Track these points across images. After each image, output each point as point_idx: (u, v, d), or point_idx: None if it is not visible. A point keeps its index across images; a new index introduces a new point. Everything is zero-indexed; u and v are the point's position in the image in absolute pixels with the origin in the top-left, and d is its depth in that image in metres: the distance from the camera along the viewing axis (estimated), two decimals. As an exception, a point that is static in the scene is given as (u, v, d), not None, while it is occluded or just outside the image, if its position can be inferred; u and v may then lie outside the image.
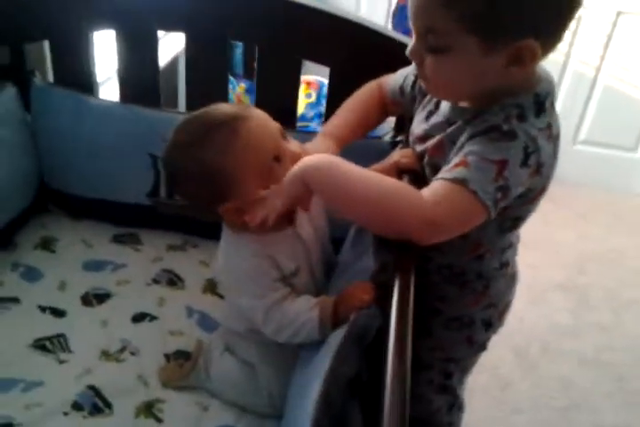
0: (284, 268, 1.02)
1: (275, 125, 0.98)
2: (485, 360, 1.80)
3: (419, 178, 1.02)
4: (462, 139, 0.89)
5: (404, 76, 1.11)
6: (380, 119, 1.20)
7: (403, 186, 0.90)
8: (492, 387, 1.77)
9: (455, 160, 0.86)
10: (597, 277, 2.23)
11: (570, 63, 2.55)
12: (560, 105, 2.57)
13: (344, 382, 0.81)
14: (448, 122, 0.95)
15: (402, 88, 1.11)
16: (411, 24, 0.86)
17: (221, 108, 0.99)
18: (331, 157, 0.91)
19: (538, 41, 0.81)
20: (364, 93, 1.17)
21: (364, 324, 0.88)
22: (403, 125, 1.36)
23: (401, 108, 1.16)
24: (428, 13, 0.82)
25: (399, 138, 1.34)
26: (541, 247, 2.31)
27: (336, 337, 0.88)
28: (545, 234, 2.38)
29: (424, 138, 1.00)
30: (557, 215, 2.50)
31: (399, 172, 1.05)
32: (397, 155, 1.08)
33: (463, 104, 0.94)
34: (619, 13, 2.42)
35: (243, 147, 0.94)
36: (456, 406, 1.27)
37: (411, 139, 1.06)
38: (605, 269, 2.28)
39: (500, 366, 1.84)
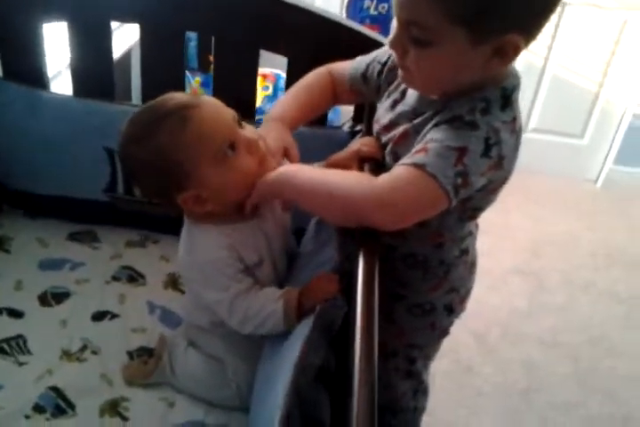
0: (246, 259, 1.02)
1: (228, 112, 0.96)
2: (446, 345, 1.82)
3: (380, 166, 1.02)
4: (427, 128, 0.89)
5: (366, 63, 1.10)
6: (328, 105, 1.18)
7: (357, 175, 0.92)
8: (454, 371, 1.81)
9: (417, 147, 0.87)
10: (552, 261, 2.28)
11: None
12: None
13: (312, 373, 0.81)
14: (414, 112, 0.96)
15: (365, 76, 1.10)
16: (394, 14, 0.84)
17: (173, 97, 0.96)
18: (293, 167, 0.94)
19: (521, 35, 0.81)
20: (312, 79, 1.15)
21: (330, 314, 0.88)
22: (361, 115, 1.36)
23: (359, 96, 1.15)
24: (414, 6, 0.81)
25: (358, 127, 1.35)
26: (497, 233, 2.36)
27: (303, 328, 0.88)
28: (500, 220, 2.43)
29: (389, 127, 1.01)
30: (511, 202, 2.55)
31: (360, 160, 1.05)
32: (358, 143, 1.09)
33: (432, 96, 0.94)
34: (564, 4, 2.47)
35: (195, 135, 0.92)
36: (420, 390, 1.29)
37: (375, 128, 1.06)
38: (560, 252, 2.34)
39: (462, 350, 1.87)
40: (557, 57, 2.59)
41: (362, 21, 2.42)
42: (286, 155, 1.05)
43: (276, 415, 0.74)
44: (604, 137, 2.72)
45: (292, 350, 0.85)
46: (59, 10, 1.35)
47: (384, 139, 1.02)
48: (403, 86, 1.00)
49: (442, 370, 1.78)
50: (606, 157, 2.74)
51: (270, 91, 2.21)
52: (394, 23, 0.86)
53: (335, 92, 1.15)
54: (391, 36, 0.87)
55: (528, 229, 2.44)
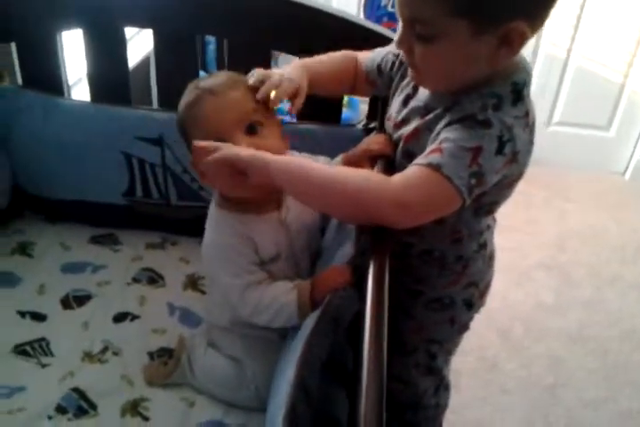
0: (263, 252, 1.02)
1: (233, 113, 0.97)
2: (471, 342, 1.83)
3: (392, 164, 1.02)
4: (439, 126, 0.89)
5: (381, 55, 1.10)
6: (345, 87, 1.16)
7: (370, 174, 0.91)
8: (479, 369, 1.79)
9: (431, 147, 0.87)
10: (579, 255, 2.25)
11: (541, 46, 2.56)
12: (533, 87, 2.55)
13: (318, 366, 0.81)
14: (426, 108, 0.95)
15: (379, 67, 1.10)
16: (397, 13, 0.85)
17: (216, 76, 1.05)
18: (299, 160, 0.93)
19: (527, 22, 0.80)
20: (341, 57, 1.14)
21: (337, 305, 0.88)
22: (375, 112, 1.36)
23: (374, 88, 1.14)
24: (414, 2, 0.82)
25: (372, 125, 1.34)
26: (522, 228, 2.34)
27: (311, 320, 0.88)
28: (525, 215, 2.41)
29: (401, 123, 1.00)
30: (537, 196, 2.52)
31: (372, 158, 1.06)
32: (369, 141, 1.09)
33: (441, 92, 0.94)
34: (586, -6, 2.44)
35: (192, 117, 1.00)
36: (442, 386, 1.28)
37: (388, 124, 1.06)
38: (586, 246, 2.30)
39: (486, 347, 1.85)
40: (581, 48, 2.54)
41: (379, 19, 2.41)
42: (294, 97, 1.03)
43: (280, 411, 0.74)
44: (631, 128, 2.67)
45: (299, 342, 0.85)
46: (74, 17, 1.38)
47: (396, 135, 1.02)
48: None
49: (467, 367, 1.77)
50: (634, 149, 2.69)
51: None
52: (399, 23, 0.87)
53: (355, 79, 1.14)
54: (397, 35, 0.88)
55: (554, 224, 2.41)
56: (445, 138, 0.86)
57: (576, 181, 2.67)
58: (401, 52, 1.02)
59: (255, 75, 1.02)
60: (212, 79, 1.03)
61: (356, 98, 2.36)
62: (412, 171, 0.86)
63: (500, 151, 0.84)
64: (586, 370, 1.81)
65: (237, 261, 1.00)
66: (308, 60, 1.12)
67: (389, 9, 2.43)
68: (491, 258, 1.13)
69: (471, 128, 0.84)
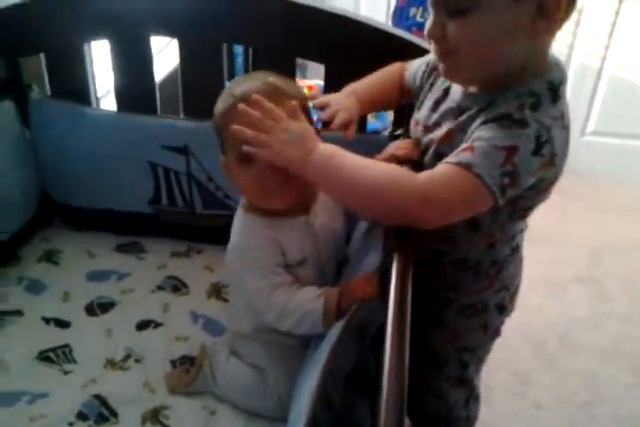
0: (289, 256, 1.01)
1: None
2: (504, 356, 1.78)
3: (418, 169, 1.00)
4: (473, 126, 0.87)
5: (418, 64, 1.10)
6: (396, 99, 1.17)
7: (397, 168, 0.89)
8: (512, 383, 1.74)
9: (463, 146, 0.85)
10: (614, 268, 2.18)
11: (574, 54, 2.52)
12: (567, 96, 2.54)
13: (342, 376, 0.79)
14: (459, 108, 0.94)
15: (415, 76, 1.10)
16: (429, 2, 0.84)
17: (251, 80, 1.00)
18: (334, 148, 0.89)
19: None
20: (389, 70, 1.16)
21: (364, 315, 0.86)
22: (401, 119, 1.34)
23: (411, 96, 1.13)
24: None
25: (398, 132, 1.32)
26: (557, 241, 2.28)
27: (336, 329, 0.86)
28: (560, 228, 2.35)
29: (432, 127, 0.99)
30: (570, 208, 2.46)
31: (397, 164, 1.03)
32: (394, 147, 1.07)
33: (473, 90, 0.92)
34: (621, 1, 2.39)
35: (224, 123, 0.96)
36: (472, 397, 1.25)
37: (416, 129, 1.04)
38: (622, 259, 2.23)
39: (519, 361, 1.80)
40: (615, 56, 2.49)
41: (408, 29, 2.40)
42: (345, 129, 1.06)
43: (301, 421, 0.72)
44: (669, 138, 2.60)
45: (323, 352, 0.83)
46: (100, 27, 1.39)
47: (426, 140, 1.00)
48: (445, 85, 0.99)
49: (499, 382, 1.72)
50: (673, 159, 2.62)
51: (315, 101, 2.21)
52: (430, 12, 0.86)
53: (401, 93, 1.14)
54: (428, 24, 0.86)
55: (589, 237, 2.34)
56: (478, 137, 0.84)
57: (611, 193, 2.60)
58: (431, 58, 1.02)
59: (313, 104, 1.07)
60: (246, 84, 0.98)
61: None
62: (441, 168, 0.84)
63: (537, 152, 0.82)
64: (622, 386, 1.74)
65: (264, 262, 0.99)
66: (356, 85, 1.14)
67: (418, 19, 2.43)
68: (521, 261, 1.11)
69: (507, 127, 0.82)
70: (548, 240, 2.25)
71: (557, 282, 2.10)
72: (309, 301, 0.96)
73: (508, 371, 1.77)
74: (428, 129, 1.00)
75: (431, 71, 1.04)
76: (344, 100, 1.09)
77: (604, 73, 2.54)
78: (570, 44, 2.50)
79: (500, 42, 0.84)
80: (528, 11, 0.81)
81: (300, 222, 1.03)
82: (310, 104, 1.05)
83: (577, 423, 1.64)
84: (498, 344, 1.75)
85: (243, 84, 0.99)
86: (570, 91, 2.68)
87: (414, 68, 1.10)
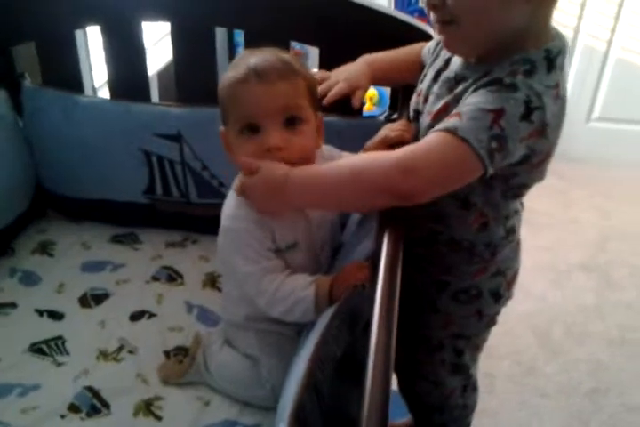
0: (280, 239, 0.99)
1: (277, 102, 0.93)
2: (507, 345, 1.77)
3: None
4: (466, 96, 0.86)
5: (434, 40, 1.08)
6: (413, 76, 1.13)
7: (371, 153, 0.90)
8: (516, 372, 1.72)
9: (452, 113, 0.84)
10: (621, 255, 2.15)
11: (579, 38, 2.48)
12: (572, 82, 2.51)
13: (330, 364, 0.76)
14: (456, 79, 0.92)
15: (429, 51, 1.08)
16: None
17: (267, 55, 0.96)
18: (302, 171, 0.90)
19: None
20: (410, 47, 1.16)
21: (355, 301, 0.84)
22: (397, 103, 1.32)
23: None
24: None
25: (394, 116, 1.30)
26: (561, 227, 2.25)
27: (326, 316, 0.84)
28: (565, 214, 2.32)
29: (432, 98, 0.97)
30: (577, 194, 2.43)
31: (390, 146, 1.02)
32: (387, 128, 1.06)
33: (472, 60, 0.91)
34: (627, -17, 2.35)
35: (232, 93, 0.95)
36: (470, 386, 1.23)
37: (418, 99, 1.02)
38: (628, 246, 2.20)
39: (523, 350, 1.78)
40: (621, 40, 2.45)
41: (410, 15, 2.37)
42: (352, 94, 1.09)
43: (287, 410, 0.70)
44: (675, 123, 2.56)
45: (312, 340, 0.81)
46: (91, 13, 1.37)
47: (425, 110, 0.98)
48: (447, 55, 0.97)
49: (502, 371, 1.70)
50: (679, 145, 2.58)
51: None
52: None
53: (420, 65, 1.11)
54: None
55: (595, 223, 2.31)
56: (467, 102, 0.82)
57: (617, 179, 2.56)
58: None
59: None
60: (262, 58, 0.94)
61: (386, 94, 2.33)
62: (427, 137, 0.83)
63: (526, 117, 0.80)
64: (628, 374, 1.72)
65: (254, 246, 0.97)
66: (372, 55, 1.15)
67: (420, 5, 2.40)
68: (518, 245, 1.09)
69: (495, 91, 0.81)
70: (553, 227, 2.23)
71: (562, 269, 2.07)
72: (301, 288, 0.95)
73: (512, 360, 1.75)
74: (427, 100, 0.98)
75: (438, 43, 1.03)
76: (350, 68, 1.11)
77: (609, 57, 2.49)
78: (575, 28, 2.46)
79: (499, 6, 0.82)
80: None
81: None
82: None
83: (582, 412, 1.61)
84: (501, 332, 1.73)
85: (258, 56, 0.95)
86: (575, 75, 2.66)
87: (431, 43, 1.09)
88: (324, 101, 1.07)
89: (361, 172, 0.84)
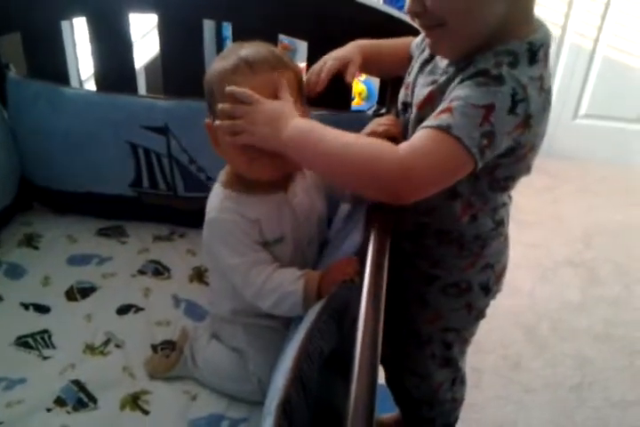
0: (267, 233, 0.99)
1: (262, 95, 0.92)
2: (494, 340, 1.77)
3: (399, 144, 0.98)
4: (451, 87, 0.86)
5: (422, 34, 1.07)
6: (399, 66, 1.13)
7: (378, 142, 0.86)
8: (502, 367, 1.73)
9: (441, 107, 0.83)
10: (605, 252, 2.17)
11: (566, 36, 2.49)
12: (559, 79, 2.52)
13: (317, 358, 0.76)
14: (440, 69, 0.93)
15: (417, 45, 1.07)
16: None
17: (258, 47, 0.96)
18: (311, 123, 0.88)
19: None
20: (399, 39, 1.15)
21: (343, 296, 0.84)
22: (385, 97, 1.32)
23: None
24: None
25: (382, 110, 1.30)
26: (547, 223, 2.26)
27: (314, 310, 0.84)
28: (550, 210, 2.33)
29: (417, 89, 0.97)
30: (563, 191, 2.45)
31: None
32: (375, 123, 1.06)
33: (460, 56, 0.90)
34: (614, -19, 2.36)
35: (224, 84, 0.92)
36: (458, 379, 1.23)
37: (406, 92, 1.02)
38: (613, 242, 2.22)
39: (510, 345, 1.79)
40: (608, 38, 2.46)
41: (399, 10, 2.37)
42: (344, 68, 1.08)
43: (274, 403, 0.70)
44: (661, 121, 2.58)
45: (299, 334, 0.81)
46: (78, 5, 1.36)
47: (411, 102, 0.98)
48: None
49: (488, 365, 1.71)
50: (665, 142, 2.60)
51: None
52: None
53: (408, 58, 1.11)
54: (408, 1, 0.85)
55: (580, 219, 2.32)
56: (456, 96, 0.82)
57: (604, 176, 2.58)
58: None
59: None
60: (253, 50, 0.95)
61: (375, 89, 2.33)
62: (420, 134, 0.82)
63: (512, 110, 0.81)
64: (613, 370, 1.73)
65: (240, 238, 0.97)
66: (363, 41, 1.14)
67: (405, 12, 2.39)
68: (506, 239, 1.09)
69: (483, 85, 0.81)
70: (539, 223, 2.24)
71: (548, 265, 2.09)
72: (289, 282, 0.94)
73: (498, 354, 1.76)
74: (413, 92, 0.98)
75: (423, 40, 1.03)
76: (339, 51, 1.10)
77: (596, 55, 2.51)
78: (562, 26, 2.47)
79: (480, 4, 0.83)
80: None
81: (279, 199, 1.01)
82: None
83: (567, 407, 1.62)
84: (488, 327, 1.74)
85: (249, 48, 0.96)
86: (562, 73, 2.67)
87: (418, 38, 1.09)
88: (319, 83, 1.07)
89: (364, 161, 0.82)
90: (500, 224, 1.04)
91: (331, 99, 1.32)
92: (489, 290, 1.09)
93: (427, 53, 0.98)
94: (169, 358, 1.14)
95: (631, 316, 1.91)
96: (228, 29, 2.23)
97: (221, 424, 1.05)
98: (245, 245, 0.97)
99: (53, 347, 1.18)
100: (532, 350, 1.78)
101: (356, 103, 2.35)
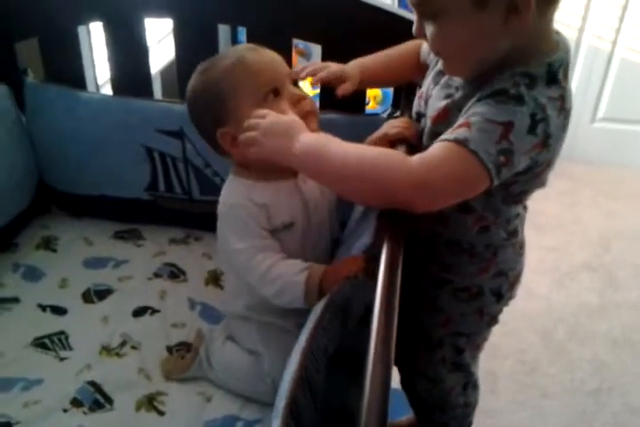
0: (276, 218, 1.00)
1: (284, 66, 1.02)
2: (510, 345, 1.76)
3: (413, 148, 0.98)
4: (469, 105, 0.85)
5: None
6: (408, 74, 1.15)
7: (387, 152, 0.86)
8: (518, 372, 1.71)
9: (459, 122, 0.82)
10: (624, 255, 2.15)
11: (584, 38, 2.47)
12: (576, 82, 2.50)
13: (322, 357, 0.76)
14: (454, 84, 0.92)
15: (429, 50, 1.07)
16: (409, 4, 0.84)
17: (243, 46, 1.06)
18: (320, 137, 0.89)
19: None
20: (404, 45, 1.15)
21: (347, 292, 0.83)
22: (400, 100, 1.32)
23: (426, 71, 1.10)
24: None
25: (396, 114, 1.30)
26: (566, 228, 2.24)
27: (319, 308, 0.84)
28: (568, 214, 2.31)
29: (432, 100, 0.97)
30: (582, 195, 2.43)
31: (391, 143, 1.02)
32: (388, 125, 1.06)
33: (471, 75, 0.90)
34: (631, -18, 2.34)
35: (243, 71, 0.98)
36: (471, 384, 1.22)
37: (420, 101, 1.02)
38: (632, 246, 2.19)
39: (526, 350, 1.77)
40: (625, 40, 2.44)
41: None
42: (340, 82, 1.08)
43: (281, 404, 0.70)
44: (680, 123, 2.55)
45: (305, 334, 0.81)
46: (94, 10, 1.38)
47: (425, 113, 0.98)
48: None
49: (504, 370, 1.70)
50: (685, 145, 2.57)
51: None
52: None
53: (418, 64, 1.11)
54: (414, 25, 0.86)
55: (599, 223, 2.30)
56: (474, 112, 0.81)
57: (622, 179, 2.55)
58: None
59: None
60: (247, 45, 1.04)
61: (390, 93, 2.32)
62: (436, 147, 0.81)
63: (531, 131, 0.79)
64: (631, 375, 1.71)
65: (249, 223, 0.98)
66: (366, 59, 1.15)
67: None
68: (521, 247, 1.07)
69: (503, 103, 0.80)
70: (557, 227, 2.22)
71: (566, 269, 2.07)
72: (293, 273, 0.95)
73: (515, 359, 1.74)
74: (427, 103, 0.98)
75: None
76: (343, 66, 1.11)
77: (614, 57, 2.49)
78: (580, 28, 2.45)
79: (474, 46, 0.83)
80: (497, 14, 0.78)
81: (289, 184, 1.03)
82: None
83: (585, 413, 1.61)
84: (505, 332, 1.74)
85: (250, 52, 1.01)
86: (579, 76, 2.64)
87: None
88: (309, 76, 1.10)
89: (373, 173, 0.82)
90: (514, 234, 1.03)
91: (345, 102, 1.33)
92: (501, 296, 1.07)
93: (440, 65, 0.97)
94: (184, 359, 1.14)
95: (650, 321, 1.89)
96: (242, 34, 2.25)
97: (236, 425, 1.05)
98: (253, 230, 0.98)
99: (70, 348, 1.19)
100: (548, 355, 1.77)
101: (371, 107, 2.35)
